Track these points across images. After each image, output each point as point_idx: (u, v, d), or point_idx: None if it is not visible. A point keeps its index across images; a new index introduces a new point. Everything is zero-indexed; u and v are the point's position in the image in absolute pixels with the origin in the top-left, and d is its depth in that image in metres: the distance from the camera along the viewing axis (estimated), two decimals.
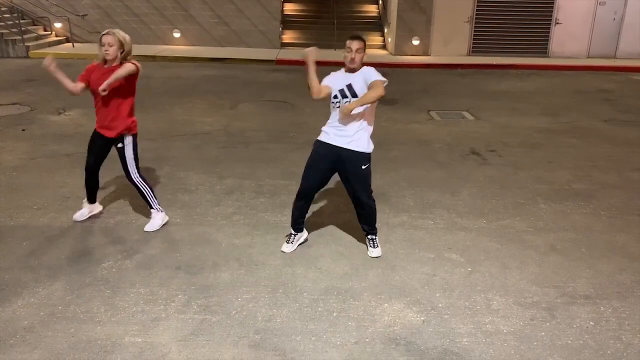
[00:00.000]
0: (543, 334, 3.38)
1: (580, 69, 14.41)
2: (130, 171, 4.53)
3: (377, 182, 5.87)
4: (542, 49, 15.87)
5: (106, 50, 4.23)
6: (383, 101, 9.90)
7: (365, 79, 3.95)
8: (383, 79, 3.93)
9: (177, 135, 7.48)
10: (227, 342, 3.23)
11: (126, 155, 4.51)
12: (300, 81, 11.76)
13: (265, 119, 8.47)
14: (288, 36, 16.60)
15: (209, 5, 15.84)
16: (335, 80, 4.09)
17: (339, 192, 5.57)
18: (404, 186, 5.80)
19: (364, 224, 4.36)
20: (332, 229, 4.76)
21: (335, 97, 4.06)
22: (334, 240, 4.55)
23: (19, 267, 4.00)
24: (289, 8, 17.24)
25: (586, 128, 8.42)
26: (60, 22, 15.60)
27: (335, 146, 4.07)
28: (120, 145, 4.48)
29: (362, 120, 4.06)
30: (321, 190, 5.49)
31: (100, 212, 4.92)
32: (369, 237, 4.39)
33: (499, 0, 15.43)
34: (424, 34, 15.56)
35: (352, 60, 3.96)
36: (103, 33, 4.27)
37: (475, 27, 15.65)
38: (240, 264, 4.13)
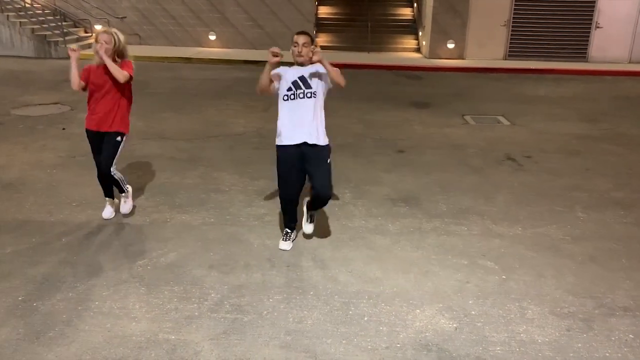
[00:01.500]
0: (579, 345, 3.29)
1: (621, 75, 14.02)
2: (113, 163, 4.66)
3: (409, 186, 5.84)
4: (581, 53, 15.50)
5: (99, 47, 4.40)
6: (415, 104, 9.83)
7: (317, 70, 4.11)
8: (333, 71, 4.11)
9: (211, 136, 7.58)
10: (258, 342, 3.25)
11: (119, 149, 4.67)
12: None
13: None
14: (321, 39, 16.64)
15: (243, 8, 16.02)
16: (286, 73, 4.20)
17: (369, 196, 5.55)
18: (436, 191, 5.74)
19: (312, 208, 4.44)
20: (363, 233, 4.75)
21: (290, 89, 4.17)
22: (365, 244, 4.54)
23: (58, 262, 4.11)
24: (323, 11, 17.28)
25: (627, 135, 8.18)
26: (100, 24, 16.00)
27: (297, 145, 4.17)
28: (118, 139, 4.64)
29: (315, 113, 4.18)
30: (351, 194, 5.49)
31: (118, 205, 5.01)
32: (309, 213, 4.51)
33: (537, 3, 15.15)
34: (459, 37, 15.38)
35: (299, 53, 4.12)
36: (100, 31, 4.52)
37: (512, 30, 15.39)
38: (272, 265, 4.16)
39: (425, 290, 3.87)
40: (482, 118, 9.06)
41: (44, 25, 14.76)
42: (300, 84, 4.13)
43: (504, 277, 4.06)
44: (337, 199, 5.42)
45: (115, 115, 4.60)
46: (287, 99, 4.18)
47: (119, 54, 4.56)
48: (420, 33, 16.47)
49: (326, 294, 3.79)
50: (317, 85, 4.15)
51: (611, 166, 6.67)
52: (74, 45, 4.48)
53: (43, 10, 15.49)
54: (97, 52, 4.38)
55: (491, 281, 4.00)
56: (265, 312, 3.56)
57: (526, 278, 4.05)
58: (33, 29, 14.47)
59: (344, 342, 3.28)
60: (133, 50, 15.17)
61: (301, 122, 4.14)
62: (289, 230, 4.51)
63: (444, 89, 11.57)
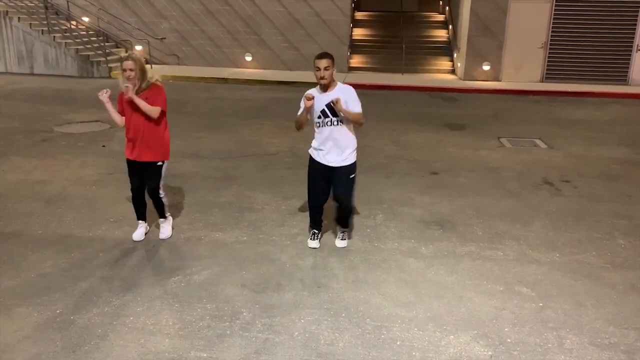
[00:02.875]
0: None
1: None
2: (160, 186, 4.77)
3: (443, 209, 5.77)
4: (621, 76, 15.15)
5: (129, 75, 4.41)
6: (450, 126, 9.76)
7: (345, 100, 4.27)
8: (360, 109, 4.40)
9: (245, 156, 7.68)
10: None
11: (162, 171, 4.76)
12: (367, 105, 11.79)
13: None
14: (356, 60, 16.76)
15: (280, 30, 16.29)
16: (316, 100, 4.36)
17: (402, 218, 5.50)
18: (471, 214, 5.65)
19: (340, 223, 4.87)
20: (396, 255, 4.70)
21: (319, 117, 4.42)
22: (397, 267, 4.49)
23: (95, 277, 4.20)
24: (358, 33, 17.43)
25: None
26: (140, 45, 16.50)
27: (326, 165, 4.51)
28: (159, 163, 4.72)
29: (343, 137, 4.44)
30: (384, 215, 5.47)
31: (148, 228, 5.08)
32: (342, 230, 4.88)
33: (575, 26, 14.94)
34: (494, 59, 15.26)
35: (322, 78, 4.26)
36: (123, 58, 4.49)
37: (549, 52, 15.19)
38: (304, 285, 4.15)
39: (459, 316, 3.79)
40: (518, 141, 8.93)
41: (88, 46, 15.31)
42: (328, 112, 4.37)
43: (541, 304, 3.95)
44: (358, 213, 5.47)
45: (154, 144, 4.64)
46: (319, 125, 4.47)
47: (144, 77, 4.49)
48: (455, 55, 16.42)
49: (358, 316, 3.76)
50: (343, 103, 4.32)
51: None
52: (102, 91, 4.54)
53: (87, 31, 16.08)
54: (125, 93, 4.42)
55: (528, 308, 3.89)
56: (296, 333, 3.55)
57: (564, 306, 3.93)
58: (77, 49, 15.02)
59: None
60: (172, 71, 15.62)
61: (330, 149, 4.47)
62: (315, 231, 4.87)
63: (479, 110, 11.46)
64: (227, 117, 10.30)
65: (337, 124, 4.39)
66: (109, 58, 15.22)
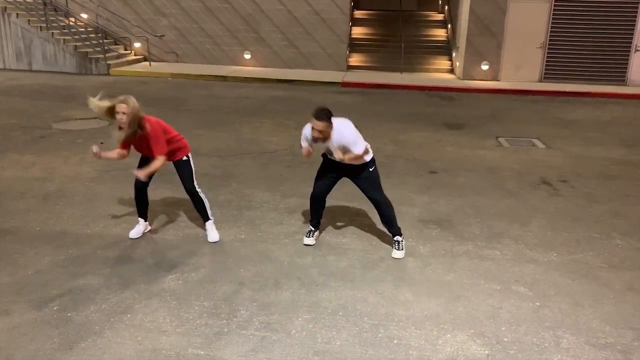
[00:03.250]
0: None
1: None
2: (194, 180, 4.76)
3: (442, 209, 5.78)
4: (620, 76, 15.16)
5: (120, 119, 4.32)
6: (448, 125, 9.77)
7: (343, 145, 4.27)
8: (361, 148, 4.26)
9: (244, 153, 7.67)
10: None
11: (191, 166, 4.77)
12: (366, 104, 11.81)
13: None
14: (355, 59, 16.75)
15: (279, 28, 16.27)
16: (317, 143, 4.41)
17: (400, 217, 5.50)
18: (470, 214, 5.66)
19: (385, 224, 4.73)
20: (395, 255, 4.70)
21: (324, 153, 4.61)
22: (396, 266, 4.50)
23: (92, 274, 4.20)
24: (357, 31, 17.42)
25: None
26: (139, 42, 16.47)
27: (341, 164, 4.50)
28: (184, 158, 4.72)
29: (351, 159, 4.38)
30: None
31: (150, 230, 5.03)
32: (394, 239, 4.73)
33: (574, 25, 14.95)
34: (493, 58, 15.27)
35: (318, 139, 4.29)
36: (117, 101, 4.34)
37: (548, 52, 15.20)
38: (302, 284, 4.15)
39: (456, 314, 3.80)
40: (516, 140, 8.94)
41: (86, 43, 15.28)
42: (332, 151, 4.40)
43: (538, 304, 3.96)
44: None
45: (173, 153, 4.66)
46: (325, 156, 4.64)
47: (137, 120, 4.38)
48: (454, 54, 16.42)
49: (355, 315, 3.76)
50: (345, 150, 4.32)
51: None
52: (93, 148, 4.48)
53: (86, 28, 16.05)
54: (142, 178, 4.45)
55: (525, 308, 3.90)
56: (294, 331, 3.55)
57: (562, 306, 3.94)
58: (76, 46, 14.99)
59: None
60: (171, 68, 15.59)
61: (339, 167, 4.54)
62: (312, 228, 4.88)
63: (477, 110, 11.47)
64: (226, 115, 10.29)
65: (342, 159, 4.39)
66: (107, 55, 15.20)
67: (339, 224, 5.32)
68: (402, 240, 4.71)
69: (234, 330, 3.54)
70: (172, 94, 12.21)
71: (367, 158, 4.48)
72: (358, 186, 4.62)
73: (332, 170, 4.60)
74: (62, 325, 3.54)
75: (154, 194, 5.93)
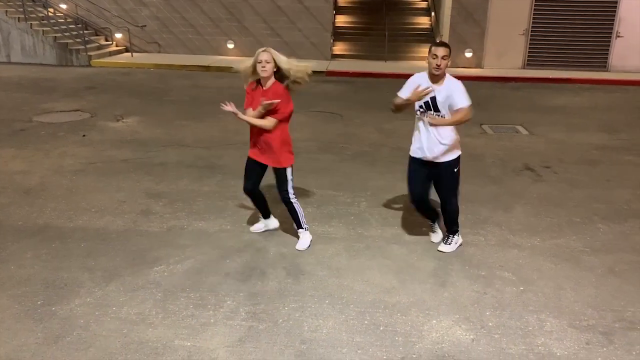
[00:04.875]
0: (599, 359, 3.24)
1: None
2: (289, 189, 4.48)
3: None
4: (601, 62, 15.32)
5: (263, 67, 4.17)
6: None
7: (449, 95, 4.02)
8: (468, 102, 4.01)
9: (229, 144, 7.63)
10: (273, 351, 3.25)
11: (287, 176, 4.46)
12: (350, 92, 11.79)
13: (314, 129, 8.53)
14: (339, 48, 16.69)
15: (262, 17, 16.15)
16: (421, 87, 4.11)
17: (385, 205, 5.53)
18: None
19: (446, 223, 4.57)
20: (379, 242, 4.73)
21: (421, 107, 4.18)
22: (381, 253, 4.52)
23: (77, 267, 4.16)
24: (341, 20, 17.34)
25: None
26: (120, 32, 16.25)
27: (428, 160, 4.27)
28: (289, 171, 4.45)
29: (441, 133, 4.16)
30: (367, 203, 5.49)
31: (276, 229, 4.89)
32: (447, 234, 4.62)
33: (556, 12, 15.03)
34: (477, 46, 15.32)
35: (438, 67, 4.00)
36: (261, 50, 4.23)
37: (530, 39, 15.28)
38: (288, 273, 4.16)
39: (442, 300, 3.84)
40: (500, 128, 9.00)
41: (66, 34, 15.03)
42: (431, 105, 4.12)
43: (522, 288, 4.01)
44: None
45: (280, 152, 4.39)
46: (418, 115, 4.26)
47: (282, 78, 4.28)
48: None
49: (342, 303, 3.78)
50: (445, 109, 4.10)
51: (631, 177, 6.57)
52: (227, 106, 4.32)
53: (65, 18, 15.78)
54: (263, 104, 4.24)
55: (509, 292, 3.95)
56: (280, 320, 3.56)
57: (545, 290, 3.99)
58: (55, 37, 14.74)
59: (359, 351, 3.27)
60: (153, 59, 15.40)
61: (427, 141, 4.21)
62: (430, 223, 4.75)
63: None
64: (210, 105, 10.21)
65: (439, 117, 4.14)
66: (88, 46, 14.97)
67: (325, 212, 5.33)
68: (452, 237, 4.57)
69: (221, 320, 3.54)
70: (155, 84, 12.08)
71: (454, 155, 4.25)
72: (436, 189, 4.41)
73: (421, 169, 4.33)
74: (46, 319, 3.51)
75: (136, 185, 5.89)
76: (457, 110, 4.04)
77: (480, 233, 4.94)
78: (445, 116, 4.11)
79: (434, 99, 4.07)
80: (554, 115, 10.05)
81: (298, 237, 4.65)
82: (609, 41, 15.21)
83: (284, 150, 4.40)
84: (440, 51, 3.98)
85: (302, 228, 4.62)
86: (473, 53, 15.35)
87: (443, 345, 3.34)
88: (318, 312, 3.66)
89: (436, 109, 4.10)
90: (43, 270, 4.11)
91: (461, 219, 5.22)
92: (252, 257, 4.41)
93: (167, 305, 3.69)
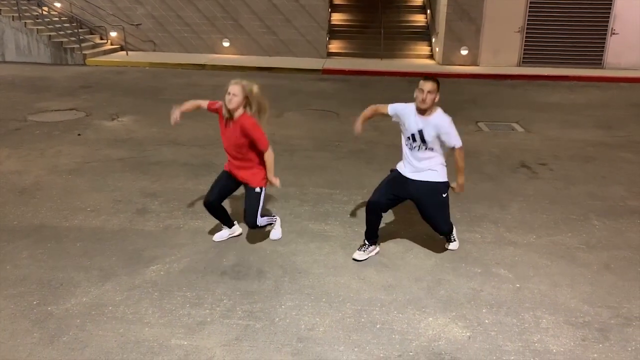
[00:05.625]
0: (595, 355, 3.25)
1: (637, 81, 13.85)
2: (258, 214, 4.37)
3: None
4: (596, 60, 15.36)
5: (230, 99, 4.16)
6: None
7: (440, 133, 4.02)
8: (460, 142, 4.05)
9: None
10: (270, 349, 3.25)
11: (261, 200, 4.37)
12: (346, 90, 11.78)
13: (310, 127, 8.52)
14: (335, 46, 16.68)
15: (257, 15, 16.11)
16: (407, 118, 4.14)
17: None
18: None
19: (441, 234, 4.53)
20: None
21: (409, 139, 4.18)
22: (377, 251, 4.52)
23: (72, 267, 4.15)
24: (336, 18, 17.33)
25: None
26: (115, 31, 16.19)
27: (410, 179, 4.22)
28: (257, 190, 4.35)
29: (430, 161, 4.17)
30: (364, 200, 5.48)
31: (239, 234, 4.77)
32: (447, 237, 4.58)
33: (551, 10, 15.05)
34: (473, 43, 15.33)
35: (423, 100, 3.97)
36: (232, 81, 4.25)
37: (526, 37, 15.31)
38: (284, 272, 4.16)
39: (438, 298, 3.84)
40: (496, 125, 9.01)
41: (61, 33, 14.97)
42: (418, 138, 4.10)
43: (518, 285, 4.02)
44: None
45: (257, 173, 4.34)
46: (408, 146, 4.23)
47: (253, 110, 4.29)
48: (433, 40, 16.44)
49: (338, 301, 3.78)
50: (434, 142, 4.08)
51: (626, 174, 6.59)
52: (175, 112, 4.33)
53: (60, 17, 15.72)
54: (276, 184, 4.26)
55: (505, 290, 3.96)
56: (277, 318, 3.56)
57: (541, 287, 4.01)
58: (50, 35, 14.68)
59: (355, 349, 3.27)
60: (148, 57, 15.36)
61: (414, 167, 4.20)
62: (365, 242, 4.43)
63: (457, 95, 11.53)
64: None
65: (426, 150, 4.10)
66: (83, 45, 14.92)
67: (321, 210, 5.33)
68: (452, 234, 4.52)
69: (217, 319, 3.54)
70: (150, 83, 12.04)
71: (441, 177, 4.19)
72: (422, 212, 4.25)
73: (399, 186, 4.23)
74: (42, 319, 3.49)
75: (132, 184, 5.87)
76: (453, 151, 4.07)
77: (476, 230, 4.94)
78: (434, 149, 4.10)
79: (421, 131, 4.06)
80: (550, 112, 10.07)
81: (282, 234, 4.69)
82: (604, 38, 15.25)
83: (262, 170, 4.35)
84: (427, 86, 3.95)
85: (272, 224, 4.65)
86: (469, 50, 15.36)
87: (439, 342, 3.34)
88: (315, 310, 3.66)
89: (423, 141, 4.08)
90: (39, 270, 4.10)
91: (457, 216, 5.25)
92: (248, 255, 4.40)
93: (164, 304, 3.68)
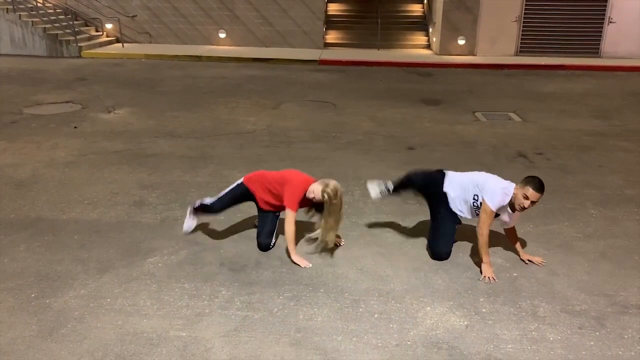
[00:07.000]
0: (592, 343, 3.27)
1: (634, 70, 13.85)
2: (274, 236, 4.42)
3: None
4: (593, 49, 15.33)
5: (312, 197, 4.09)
6: (426, 101, 9.80)
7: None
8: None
9: (221, 134, 7.60)
10: (268, 340, 3.27)
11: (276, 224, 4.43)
12: (343, 81, 11.75)
13: (307, 118, 8.51)
14: (331, 36, 16.61)
15: (253, 5, 16.03)
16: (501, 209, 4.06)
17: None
18: None
19: None
20: (373, 230, 4.74)
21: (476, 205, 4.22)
22: (375, 242, 4.53)
23: (70, 260, 4.15)
24: (333, 8, 17.25)
25: (639, 131, 8.10)
26: (111, 23, 16.10)
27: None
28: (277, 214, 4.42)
29: None
30: (361, 191, 5.49)
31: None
32: None
33: None
34: (470, 33, 15.29)
35: (524, 208, 3.89)
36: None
37: (523, 26, 15.26)
38: (282, 262, 4.17)
39: (435, 287, 3.86)
40: (493, 115, 9.01)
41: (56, 25, 14.88)
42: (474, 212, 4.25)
43: (515, 274, 4.04)
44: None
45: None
46: (470, 203, 4.27)
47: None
48: (430, 29, 16.39)
49: (336, 291, 3.79)
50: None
51: (623, 163, 6.60)
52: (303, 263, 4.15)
53: (55, 9, 15.61)
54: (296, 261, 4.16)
55: (502, 278, 3.98)
56: (275, 309, 3.57)
57: (538, 275, 4.02)
58: (45, 28, 14.58)
59: (354, 339, 3.28)
60: (144, 49, 15.28)
61: (459, 209, 4.35)
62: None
63: (454, 85, 11.51)
64: (202, 95, 10.16)
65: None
66: (78, 37, 14.82)
67: None
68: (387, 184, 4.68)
69: (216, 310, 3.54)
70: (146, 75, 11.99)
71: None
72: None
73: (434, 188, 4.50)
74: (40, 312, 3.50)
75: (129, 176, 5.87)
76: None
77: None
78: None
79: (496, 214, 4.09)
80: (547, 101, 10.07)
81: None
82: (601, 27, 15.22)
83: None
84: (537, 197, 3.82)
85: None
86: (466, 40, 15.32)
87: (437, 331, 3.36)
88: (313, 300, 3.67)
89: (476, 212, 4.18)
90: (36, 263, 4.10)
91: None
92: (246, 247, 4.41)
93: (162, 296, 3.69)
